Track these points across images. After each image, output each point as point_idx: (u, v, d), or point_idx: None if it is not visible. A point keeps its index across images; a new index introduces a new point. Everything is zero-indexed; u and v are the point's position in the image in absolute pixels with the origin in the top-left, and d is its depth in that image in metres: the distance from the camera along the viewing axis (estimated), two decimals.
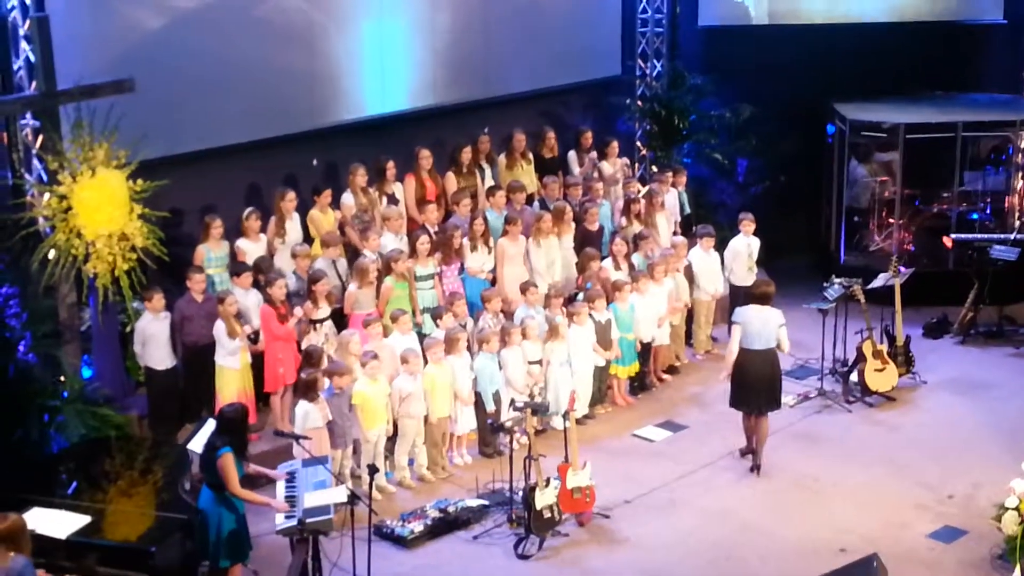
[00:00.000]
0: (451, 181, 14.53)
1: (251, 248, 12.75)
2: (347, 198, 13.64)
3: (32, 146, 11.69)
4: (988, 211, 16.71)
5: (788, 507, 11.52)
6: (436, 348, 11.94)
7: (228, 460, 9.45)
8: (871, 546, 10.37)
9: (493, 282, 13.64)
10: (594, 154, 15.67)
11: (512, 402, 12.05)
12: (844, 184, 16.77)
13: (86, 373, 11.87)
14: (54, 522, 9.12)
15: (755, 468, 12.13)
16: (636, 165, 17.25)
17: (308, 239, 13.26)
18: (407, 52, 14.87)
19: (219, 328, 11.76)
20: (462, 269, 13.49)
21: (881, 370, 13.52)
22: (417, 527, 10.97)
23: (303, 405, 10.95)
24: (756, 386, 11.90)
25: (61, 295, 11.51)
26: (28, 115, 11.62)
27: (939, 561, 10.60)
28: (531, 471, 10.86)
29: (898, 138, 16.24)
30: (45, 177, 11.61)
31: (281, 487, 9.89)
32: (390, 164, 13.95)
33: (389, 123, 14.75)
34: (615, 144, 15.90)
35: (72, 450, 10.81)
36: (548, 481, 10.90)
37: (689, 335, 14.88)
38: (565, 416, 11.51)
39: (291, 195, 13.11)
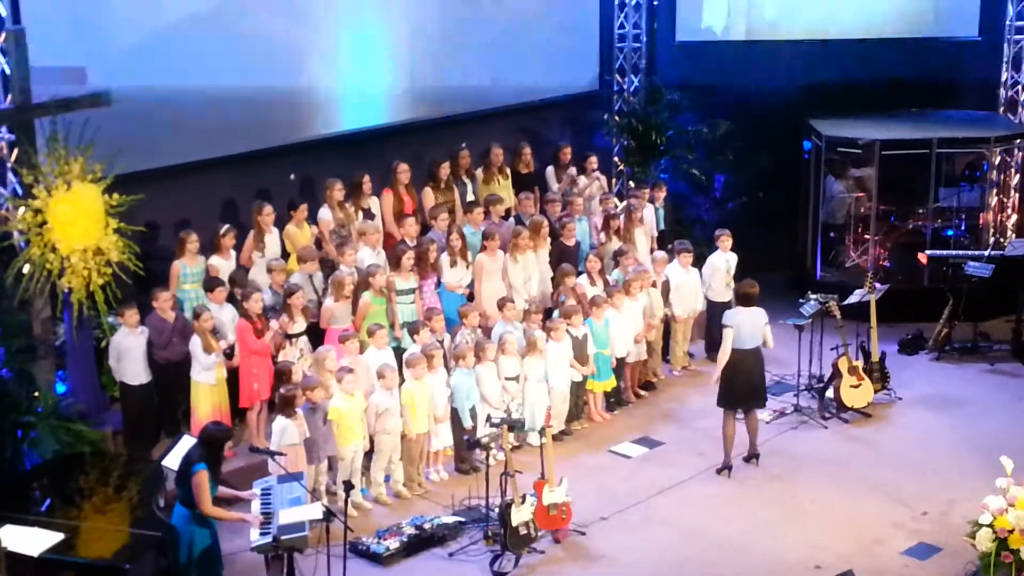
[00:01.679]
0: (428, 196, 14.52)
1: (224, 265, 12.69)
2: (324, 213, 13.62)
3: (7, 160, 11.62)
4: (963, 227, 16.80)
5: (764, 523, 11.53)
6: (418, 364, 11.91)
7: (203, 478, 9.41)
8: (846, 563, 10.40)
9: (470, 297, 13.62)
10: (573, 170, 15.69)
11: (488, 418, 12.05)
12: (820, 200, 16.84)
13: (60, 388, 11.79)
14: (27, 539, 9.03)
15: (754, 458, 12.43)
16: (613, 180, 17.28)
17: (284, 254, 13.23)
18: (385, 67, 14.87)
19: (195, 343, 11.72)
20: (439, 284, 13.48)
21: (857, 386, 13.57)
22: (393, 544, 10.94)
23: (280, 421, 10.93)
24: (748, 383, 12.25)
25: (35, 310, 11.44)
26: (3, 128, 11.55)
27: None
28: (507, 488, 10.84)
29: (873, 154, 16.30)
30: (20, 191, 11.55)
31: (256, 504, 9.87)
32: (366, 178, 13.93)
33: (366, 138, 14.74)
34: (594, 159, 15.95)
35: (46, 466, 10.74)
36: (524, 498, 10.87)
37: (666, 351, 14.89)
38: (541, 432, 11.50)
39: (268, 209, 13.09)
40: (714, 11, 17.77)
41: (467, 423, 12.28)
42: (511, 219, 14.75)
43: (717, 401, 12.38)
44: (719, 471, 12.36)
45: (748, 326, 12.17)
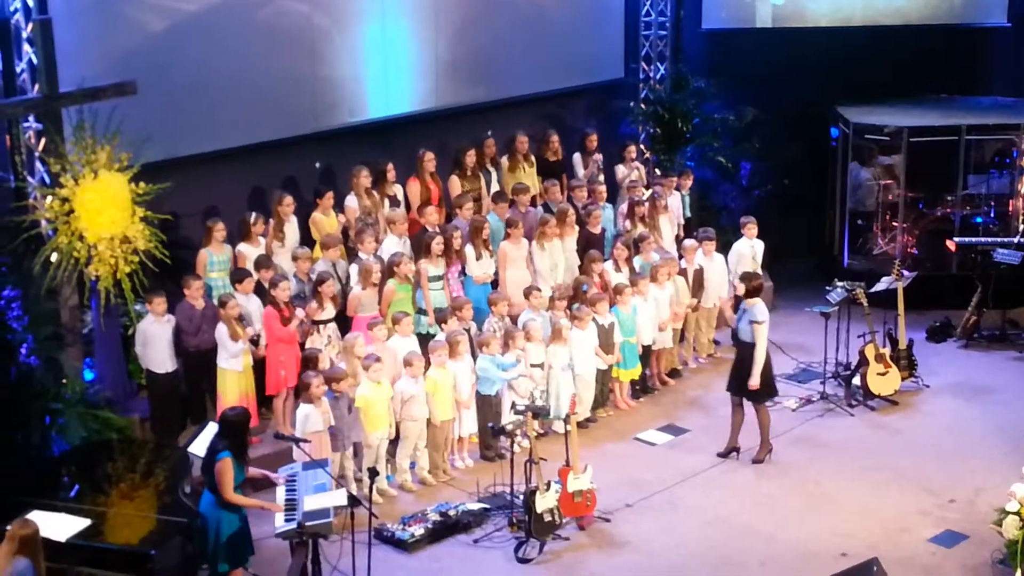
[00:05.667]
0: (455, 184, 14.53)
1: (252, 252, 12.73)
2: (351, 200, 13.65)
3: (34, 149, 11.72)
4: (992, 214, 16.67)
5: (789, 511, 11.51)
6: (440, 351, 11.94)
7: (226, 465, 9.47)
8: (872, 550, 10.38)
9: (494, 285, 13.63)
10: (599, 156, 15.67)
11: (513, 405, 12.06)
12: (848, 187, 16.77)
13: (88, 376, 11.88)
14: (54, 525, 9.13)
15: (769, 451, 12.44)
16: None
17: (310, 242, 13.26)
18: (410, 55, 14.87)
19: (221, 331, 11.78)
20: (463, 271, 13.49)
21: (884, 374, 13.51)
22: (418, 530, 10.98)
23: (303, 408, 10.98)
24: (771, 371, 12.38)
25: (63, 298, 11.52)
26: (31, 118, 11.64)
27: (940, 566, 10.59)
28: (532, 475, 10.86)
29: (901, 141, 16.22)
30: (47, 180, 11.64)
31: (281, 491, 9.92)
32: (390, 166, 13.94)
33: (392, 126, 14.74)
34: (632, 148, 15.96)
35: (73, 453, 10.83)
36: (549, 484, 10.89)
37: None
38: (566, 419, 11.51)
39: (288, 199, 13.08)
40: None
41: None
42: (538, 207, 14.75)
43: (759, 397, 12.22)
44: (724, 455, 12.44)
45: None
